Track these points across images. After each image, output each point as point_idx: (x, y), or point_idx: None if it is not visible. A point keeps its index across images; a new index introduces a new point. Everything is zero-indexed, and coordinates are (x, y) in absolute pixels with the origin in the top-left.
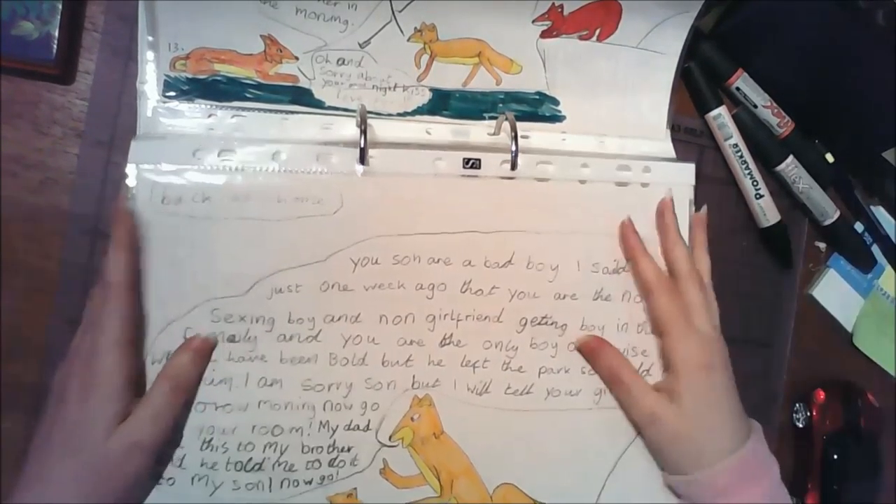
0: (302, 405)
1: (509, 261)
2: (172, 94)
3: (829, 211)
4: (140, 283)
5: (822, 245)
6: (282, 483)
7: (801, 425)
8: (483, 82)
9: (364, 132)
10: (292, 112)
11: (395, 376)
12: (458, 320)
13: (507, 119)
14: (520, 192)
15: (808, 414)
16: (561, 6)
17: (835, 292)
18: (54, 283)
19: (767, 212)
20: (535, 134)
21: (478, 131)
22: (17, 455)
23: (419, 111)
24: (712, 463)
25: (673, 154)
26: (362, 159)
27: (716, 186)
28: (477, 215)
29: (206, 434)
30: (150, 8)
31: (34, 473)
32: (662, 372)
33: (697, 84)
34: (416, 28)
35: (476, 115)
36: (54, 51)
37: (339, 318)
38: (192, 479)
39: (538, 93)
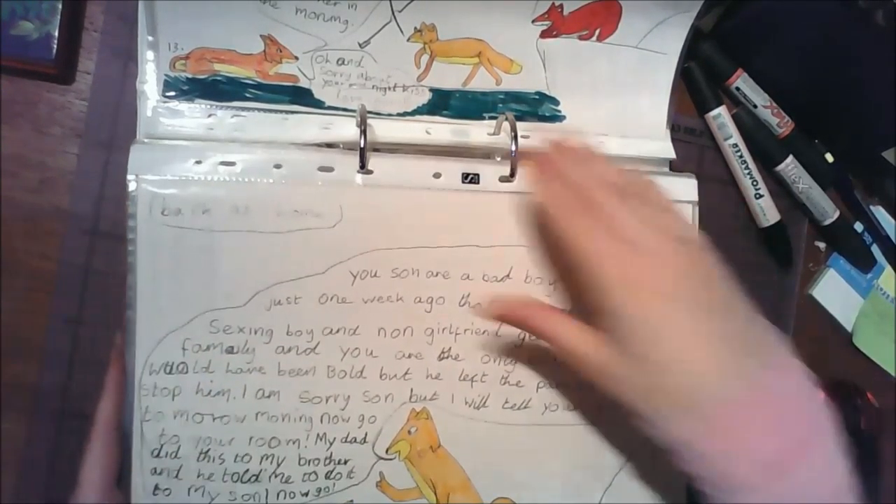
0: (299, 417)
1: (507, 275)
2: (172, 94)
3: (828, 211)
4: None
5: (821, 245)
6: (278, 495)
7: None
8: (483, 82)
9: (364, 132)
10: (292, 112)
11: (392, 389)
12: (456, 334)
13: (507, 119)
14: (518, 205)
15: None
16: (561, 6)
17: (835, 292)
18: (53, 283)
19: (767, 212)
20: (536, 134)
21: (478, 131)
22: (16, 455)
23: (419, 111)
24: (706, 415)
25: (673, 154)
26: (362, 159)
27: (715, 186)
28: (475, 229)
29: (202, 445)
30: (150, 8)
31: None
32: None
33: (697, 84)
34: (416, 28)
35: (476, 115)
36: (54, 51)
37: (337, 331)
38: (189, 489)
39: (538, 93)
